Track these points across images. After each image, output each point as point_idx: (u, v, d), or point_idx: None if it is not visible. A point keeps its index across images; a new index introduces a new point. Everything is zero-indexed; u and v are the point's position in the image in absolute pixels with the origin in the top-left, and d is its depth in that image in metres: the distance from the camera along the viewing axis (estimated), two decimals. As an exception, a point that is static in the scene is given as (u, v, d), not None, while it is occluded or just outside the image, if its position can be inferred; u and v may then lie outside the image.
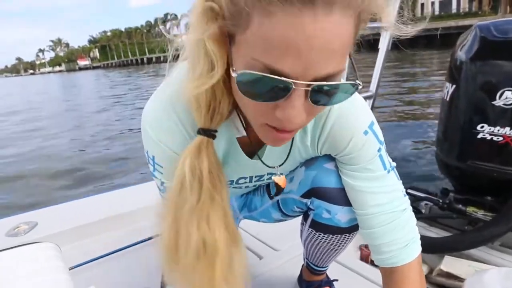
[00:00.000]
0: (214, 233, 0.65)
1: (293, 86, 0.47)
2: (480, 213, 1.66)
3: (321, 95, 0.50)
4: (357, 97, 0.73)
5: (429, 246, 1.55)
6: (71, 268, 1.29)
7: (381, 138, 0.76)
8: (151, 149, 0.70)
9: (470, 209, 1.68)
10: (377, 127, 0.75)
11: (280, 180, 0.80)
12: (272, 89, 0.48)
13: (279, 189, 0.82)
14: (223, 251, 0.66)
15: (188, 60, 0.57)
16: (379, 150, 0.75)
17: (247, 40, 0.47)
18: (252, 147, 0.75)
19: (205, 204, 0.64)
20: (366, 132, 0.73)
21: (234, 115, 0.68)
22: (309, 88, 0.48)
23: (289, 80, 0.46)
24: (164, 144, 0.68)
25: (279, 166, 0.81)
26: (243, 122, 0.69)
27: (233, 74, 0.50)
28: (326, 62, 0.46)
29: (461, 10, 32.44)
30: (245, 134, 0.70)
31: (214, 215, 0.65)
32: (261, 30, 0.45)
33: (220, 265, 0.66)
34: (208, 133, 0.62)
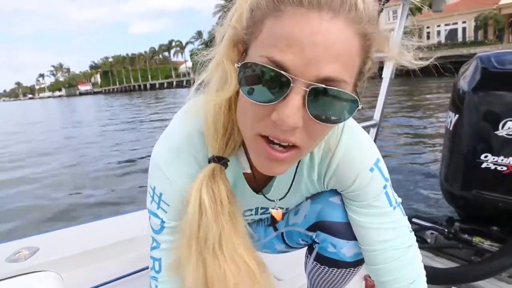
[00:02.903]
0: (246, 261, 0.65)
1: (292, 83, 0.48)
2: (486, 244, 1.63)
3: (318, 101, 0.50)
4: (362, 134, 0.75)
5: (435, 278, 1.51)
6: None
7: (387, 175, 0.77)
8: (160, 186, 0.69)
9: (476, 239, 1.66)
10: (382, 164, 0.76)
11: (276, 213, 0.81)
12: (273, 84, 0.49)
13: (275, 221, 0.83)
14: (259, 278, 0.67)
15: (207, 78, 0.61)
16: (384, 187, 0.76)
17: (257, 44, 0.51)
18: (258, 182, 0.76)
19: (230, 231, 0.64)
20: (372, 169, 0.73)
21: (241, 151, 0.69)
22: (307, 89, 0.48)
23: (289, 74, 0.48)
24: (176, 183, 0.68)
25: (279, 199, 0.81)
26: (249, 160, 0.70)
27: (236, 65, 0.52)
28: (328, 63, 0.48)
29: (467, 39, 32.99)
30: (249, 171, 0.71)
31: (240, 243, 0.65)
32: (271, 30, 0.49)
33: None
34: (221, 160, 0.63)
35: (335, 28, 0.47)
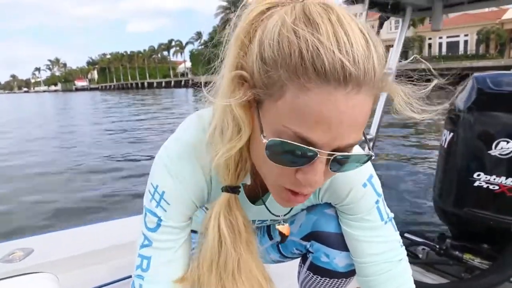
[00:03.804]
0: (259, 280, 0.70)
1: (318, 155, 0.51)
2: (477, 261, 1.65)
3: (339, 163, 0.55)
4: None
5: (426, 293, 1.54)
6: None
7: (379, 190, 0.79)
8: (163, 184, 0.70)
9: (466, 256, 1.68)
10: (376, 180, 0.78)
11: (284, 228, 0.83)
12: (299, 156, 0.52)
13: (284, 238, 0.85)
14: None
15: (214, 123, 0.61)
16: (377, 202, 0.79)
17: (278, 108, 0.51)
18: (255, 193, 0.78)
19: (247, 257, 0.68)
20: (365, 185, 0.76)
21: None
22: (331, 157, 0.52)
23: (316, 149, 0.51)
24: (181, 183, 0.69)
25: (284, 215, 0.84)
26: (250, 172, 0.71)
27: (264, 140, 0.53)
28: (350, 135, 0.51)
29: (468, 52, 33.23)
30: (249, 183, 0.73)
31: (254, 265, 0.70)
32: (295, 102, 0.49)
33: None
34: (235, 190, 0.67)
35: (358, 103, 0.49)
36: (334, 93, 0.47)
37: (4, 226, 4.09)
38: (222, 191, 0.67)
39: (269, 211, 0.80)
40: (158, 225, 0.72)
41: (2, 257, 1.49)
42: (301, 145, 0.50)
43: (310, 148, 0.50)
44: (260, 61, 0.52)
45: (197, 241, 0.74)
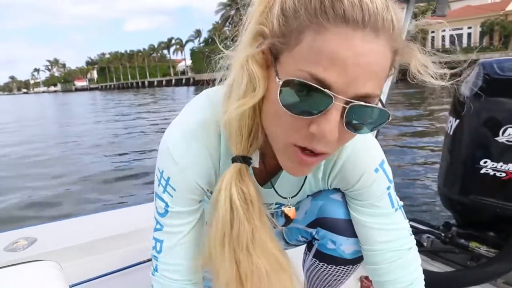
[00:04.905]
0: (275, 254, 0.67)
1: (333, 100, 0.49)
2: (483, 249, 1.64)
3: (355, 116, 0.52)
4: (368, 135, 0.75)
5: (431, 282, 1.51)
6: (71, 287, 1.27)
7: (391, 177, 0.78)
8: (168, 169, 0.70)
9: (472, 244, 1.66)
10: (387, 166, 0.77)
11: (290, 211, 0.82)
12: (314, 100, 0.50)
13: (289, 220, 0.83)
14: (287, 267, 0.69)
15: (230, 80, 0.60)
16: (388, 188, 0.77)
17: (294, 55, 0.51)
18: (264, 176, 0.76)
19: (261, 228, 0.66)
20: (377, 170, 0.75)
21: None
22: (347, 106, 0.50)
23: (331, 92, 0.49)
24: (185, 170, 0.68)
25: (291, 197, 0.82)
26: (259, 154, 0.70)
27: (278, 81, 0.52)
28: (367, 81, 0.49)
29: (472, 45, 32.94)
30: (257, 165, 0.71)
31: (268, 238, 0.67)
32: (313, 44, 0.48)
33: (289, 284, 0.69)
34: (246, 160, 0.64)
35: (376, 49, 0.49)
36: (352, 33, 0.47)
37: (7, 215, 4.12)
38: (232, 162, 0.65)
39: (277, 193, 0.79)
40: (166, 211, 0.72)
41: (5, 246, 1.49)
42: (316, 86, 0.49)
43: (325, 90, 0.49)
44: (281, 13, 0.52)
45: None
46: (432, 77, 0.58)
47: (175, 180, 0.69)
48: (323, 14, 0.47)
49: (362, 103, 0.51)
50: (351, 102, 0.50)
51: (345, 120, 0.52)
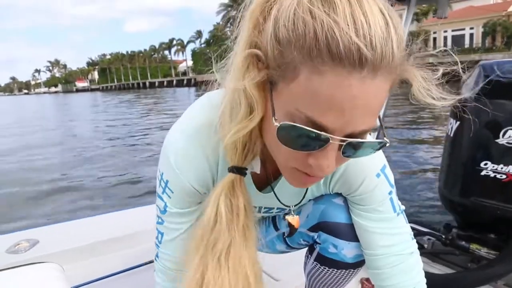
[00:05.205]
0: (247, 274, 0.66)
1: (331, 140, 0.50)
2: (483, 251, 1.64)
3: (352, 149, 0.53)
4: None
5: (431, 283, 1.51)
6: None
7: (392, 181, 0.78)
8: (166, 173, 0.72)
9: (473, 246, 1.66)
10: (389, 171, 0.77)
11: (294, 219, 0.82)
12: (311, 141, 0.50)
13: (293, 230, 0.84)
14: None
15: (226, 101, 0.59)
16: (390, 193, 0.78)
17: (291, 91, 0.49)
18: (263, 181, 0.77)
19: (240, 244, 0.66)
20: (378, 175, 0.75)
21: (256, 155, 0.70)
22: (344, 143, 0.51)
23: (328, 134, 0.49)
24: (181, 174, 0.69)
25: (295, 206, 0.83)
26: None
27: (276, 124, 0.51)
28: (364, 121, 0.49)
29: (474, 45, 32.80)
30: (258, 171, 0.71)
31: (246, 255, 0.67)
32: (309, 84, 0.47)
33: None
34: (241, 171, 0.65)
35: (374, 89, 0.47)
36: (348, 77, 0.45)
37: (9, 217, 4.13)
38: (228, 171, 0.65)
39: (278, 199, 0.79)
40: (165, 210, 0.76)
41: (7, 248, 1.50)
42: (313, 129, 0.49)
43: (322, 133, 0.49)
44: (275, 41, 0.50)
45: None
46: (434, 98, 0.56)
47: (172, 183, 0.72)
48: (318, 55, 0.45)
49: (359, 140, 0.52)
50: (347, 140, 0.51)
51: (342, 151, 0.53)
